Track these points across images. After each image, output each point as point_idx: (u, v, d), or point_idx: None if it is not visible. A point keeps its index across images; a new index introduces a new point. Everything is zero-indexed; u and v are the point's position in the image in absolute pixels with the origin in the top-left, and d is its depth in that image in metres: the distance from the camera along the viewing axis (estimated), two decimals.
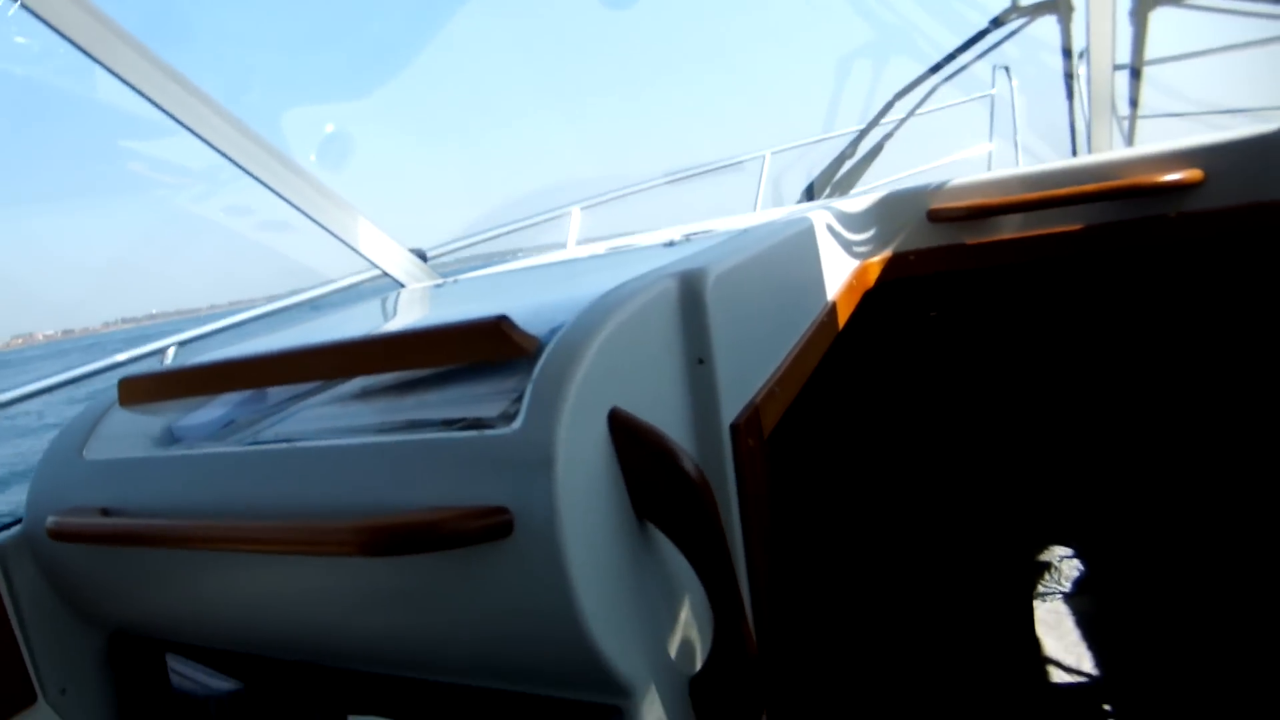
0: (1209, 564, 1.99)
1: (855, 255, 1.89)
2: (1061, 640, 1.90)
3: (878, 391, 2.20)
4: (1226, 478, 2.01)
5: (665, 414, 0.97)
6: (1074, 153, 2.57)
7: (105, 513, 1.07)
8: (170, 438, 1.23)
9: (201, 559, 0.99)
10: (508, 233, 3.91)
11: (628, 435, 0.83)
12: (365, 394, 1.04)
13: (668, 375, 0.99)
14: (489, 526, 0.76)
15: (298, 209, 1.89)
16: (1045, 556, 2.14)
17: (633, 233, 2.72)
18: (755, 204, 4.09)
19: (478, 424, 0.84)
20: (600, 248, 2.17)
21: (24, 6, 1.43)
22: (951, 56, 2.57)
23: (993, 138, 5.76)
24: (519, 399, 0.83)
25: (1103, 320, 2.02)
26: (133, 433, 1.24)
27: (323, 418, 1.03)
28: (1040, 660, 1.87)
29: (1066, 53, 2.28)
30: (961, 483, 2.25)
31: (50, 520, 1.08)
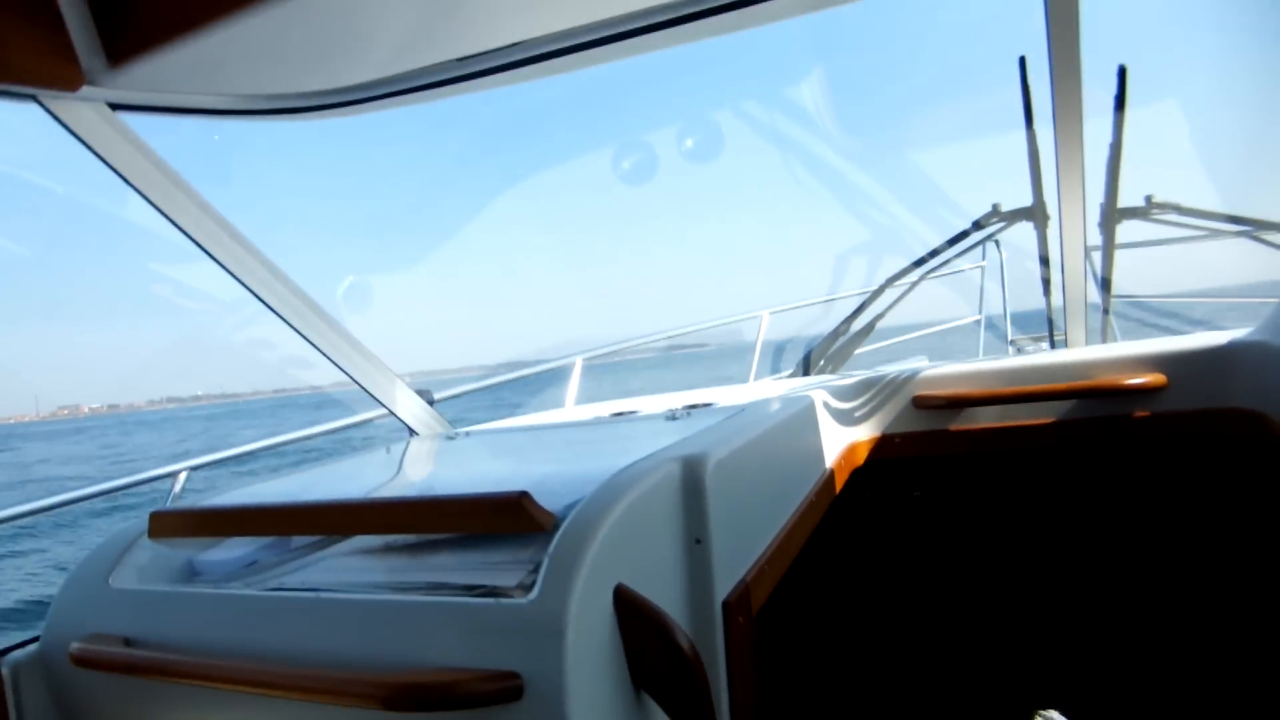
0: None
1: (844, 435, 2.00)
2: None
3: (865, 565, 2.25)
4: (1190, 653, 2.06)
5: (664, 589, 1.05)
6: (1051, 345, 2.74)
7: (128, 643, 1.12)
8: (192, 571, 1.30)
9: (219, 697, 1.03)
10: (512, 380, 4.06)
11: (631, 611, 0.91)
12: (386, 549, 1.12)
13: (668, 553, 1.07)
14: (501, 690, 0.83)
15: (318, 348, 2.00)
16: None
17: (634, 394, 2.84)
18: (751, 372, 4.23)
19: (495, 592, 0.91)
20: (604, 409, 2.28)
21: (70, 131, 1.60)
22: (935, 253, 2.80)
23: (982, 309, 6.02)
24: (534, 570, 0.91)
25: (1074, 508, 2.11)
26: (156, 565, 1.29)
27: (344, 569, 1.10)
28: None
29: (1044, 257, 2.49)
30: (945, 655, 2.27)
31: (74, 646, 1.12)
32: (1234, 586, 1.99)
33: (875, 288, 3.05)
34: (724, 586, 1.12)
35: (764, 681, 1.40)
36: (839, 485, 1.86)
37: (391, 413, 2.18)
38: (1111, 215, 2.41)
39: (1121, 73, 2.11)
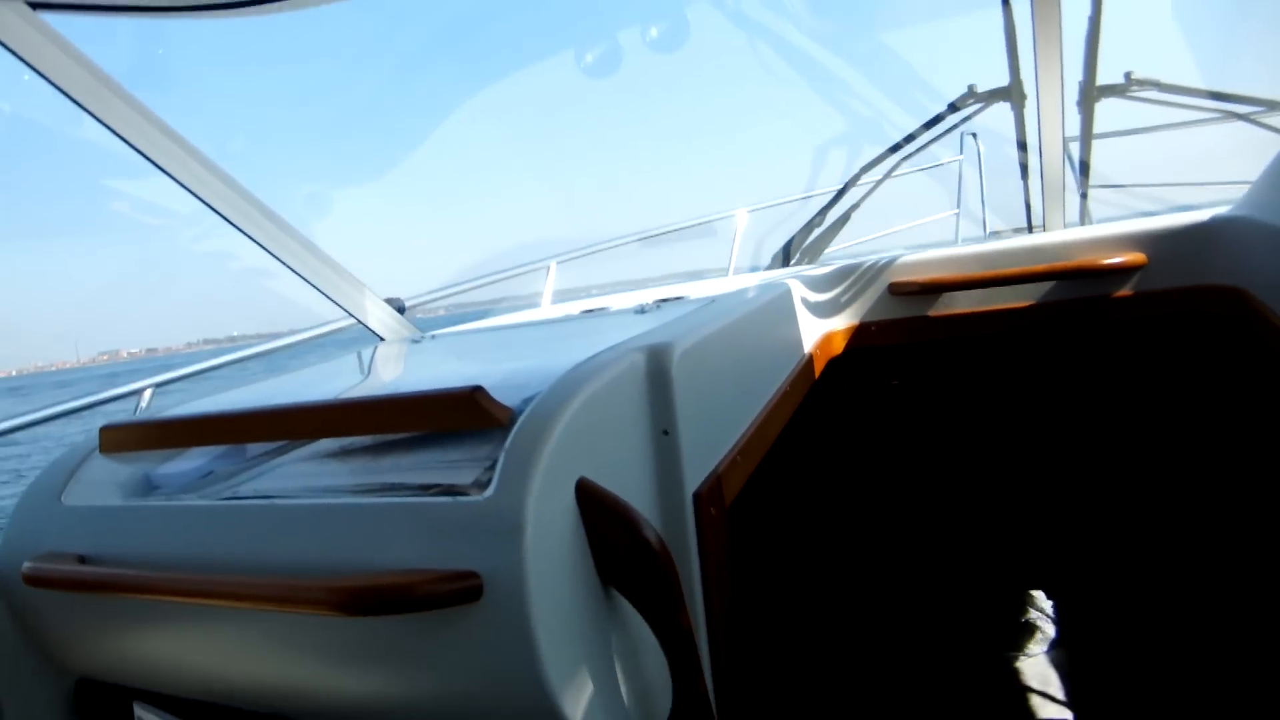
0: (1169, 610, 2.06)
1: (820, 325, 1.97)
2: (1040, 692, 1.94)
3: (842, 456, 2.26)
4: (1173, 532, 2.09)
5: (631, 483, 1.02)
6: (1029, 229, 2.70)
7: (82, 560, 1.10)
8: (149, 485, 1.26)
9: (175, 610, 1.01)
10: (486, 284, 3.99)
11: (593, 504, 0.88)
12: (342, 453, 1.08)
13: (634, 445, 1.05)
14: (459, 590, 0.80)
15: (278, 259, 1.93)
16: (1012, 611, 2.20)
17: (608, 290, 2.79)
18: (730, 266, 4.18)
19: (451, 490, 0.88)
20: (575, 308, 2.23)
21: (13, 54, 1.49)
22: (910, 137, 2.71)
23: (960, 203, 5.95)
24: (491, 467, 0.88)
25: (1054, 390, 2.11)
26: (111, 480, 1.26)
27: (300, 475, 1.07)
28: (1020, 714, 1.91)
29: (1021, 141, 2.42)
30: (926, 542, 2.31)
31: (26, 565, 1.09)
32: (1214, 462, 2.01)
33: (852, 174, 2.97)
34: (694, 478, 1.10)
35: (740, 573, 1.40)
36: (816, 374, 1.84)
37: (358, 320, 2.13)
38: (1090, 93, 2.33)
39: None
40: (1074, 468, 2.16)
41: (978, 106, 2.51)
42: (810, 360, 1.80)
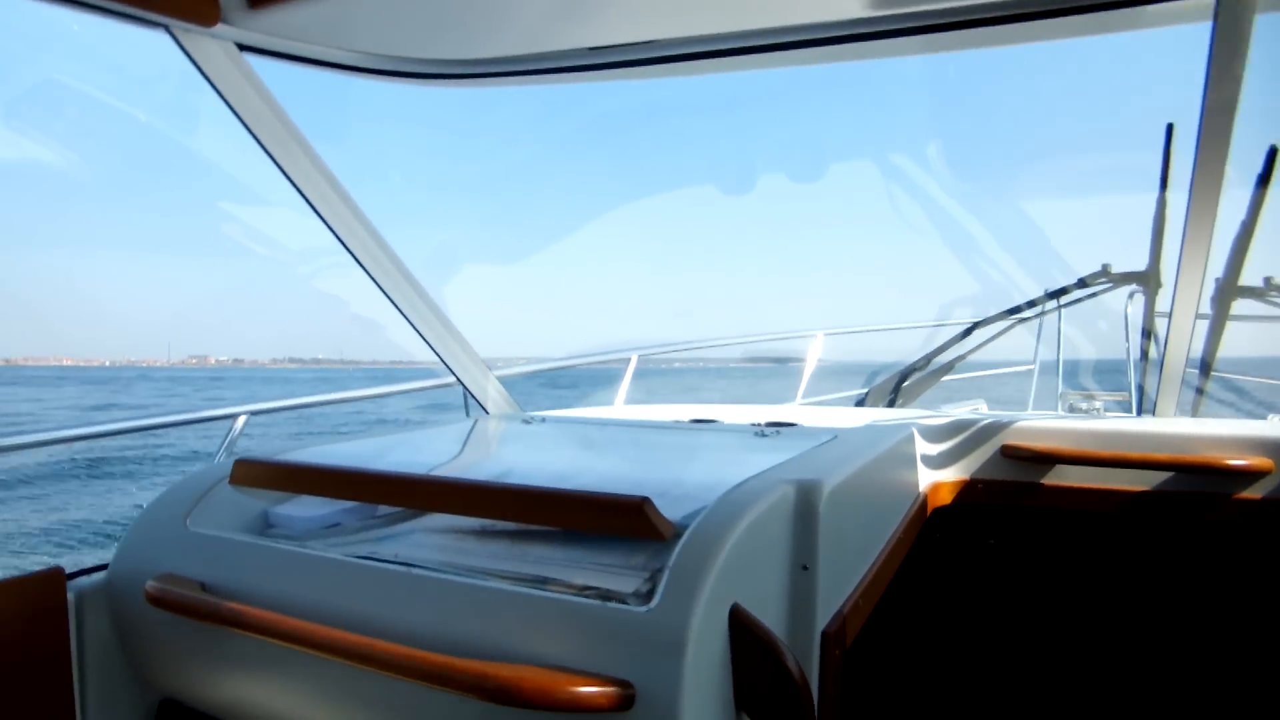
0: None
1: (932, 474, 1.94)
2: None
3: (940, 608, 2.20)
4: None
5: (769, 613, 1.01)
6: (1137, 412, 2.65)
7: (204, 588, 1.10)
8: (267, 523, 1.28)
9: (293, 657, 1.01)
10: (568, 365, 4.05)
11: (744, 631, 0.87)
12: (482, 533, 1.08)
13: (775, 577, 1.03)
14: (613, 697, 0.79)
15: (403, 313, 1.98)
16: None
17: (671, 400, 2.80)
18: (799, 389, 4.17)
19: (610, 595, 0.88)
20: (674, 413, 2.23)
21: (195, 66, 1.59)
22: (1032, 303, 2.72)
23: (1036, 359, 5.91)
24: (650, 579, 0.88)
25: (1153, 582, 2.04)
26: (232, 511, 1.28)
27: (438, 547, 1.07)
28: None
29: (1145, 328, 2.40)
30: (1010, 710, 2.22)
31: (150, 584, 1.10)
32: None
33: (965, 326, 2.97)
34: (824, 616, 1.08)
35: (857, 714, 1.36)
36: (922, 522, 1.80)
37: (466, 389, 2.16)
38: (1229, 291, 2.32)
39: (1272, 153, 2.02)
40: (1168, 661, 2.06)
41: (1108, 285, 2.52)
42: (920, 507, 1.77)
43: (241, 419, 2.40)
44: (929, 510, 1.89)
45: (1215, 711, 2.01)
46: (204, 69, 1.59)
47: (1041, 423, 1.98)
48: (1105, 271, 2.53)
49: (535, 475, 1.25)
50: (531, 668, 0.83)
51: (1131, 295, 2.58)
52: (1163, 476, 1.88)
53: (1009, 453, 1.96)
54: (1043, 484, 1.95)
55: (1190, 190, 1.77)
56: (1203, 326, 2.48)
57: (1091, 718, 2.12)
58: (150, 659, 1.21)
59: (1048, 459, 1.93)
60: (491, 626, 0.89)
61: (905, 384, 2.85)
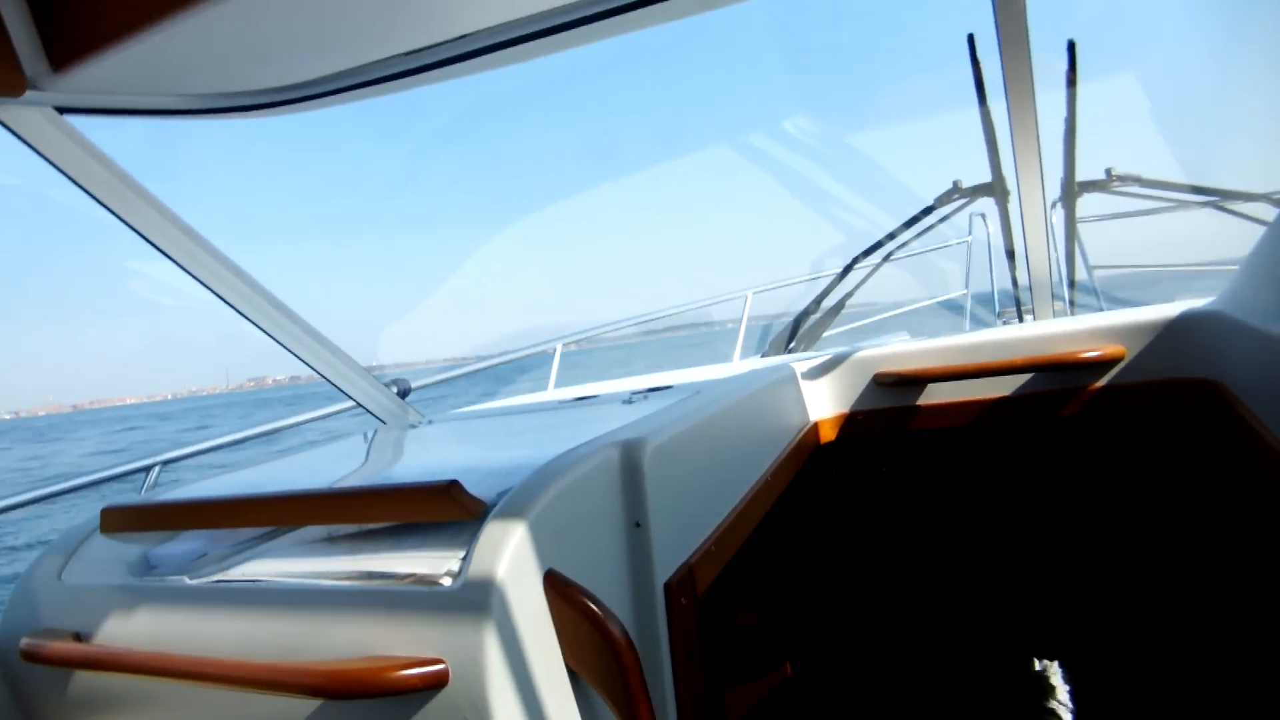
0: (1147, 679, 2.07)
1: (808, 413, 2.02)
2: None
3: (833, 541, 2.28)
4: (1153, 618, 2.10)
5: (604, 573, 1.07)
6: (1020, 319, 2.75)
7: (77, 637, 1.15)
8: (147, 565, 1.32)
9: (163, 690, 1.06)
10: (492, 365, 4.08)
11: (560, 596, 0.93)
12: (330, 540, 1.14)
13: (607, 537, 1.09)
14: (426, 677, 0.85)
15: (284, 345, 2.01)
16: (999, 687, 2.19)
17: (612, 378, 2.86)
18: (736, 350, 4.25)
19: (425, 580, 0.93)
20: (573, 393, 2.30)
21: (17, 137, 1.59)
22: (892, 235, 2.81)
23: (968, 284, 6.04)
24: (464, 559, 0.93)
25: (1037, 480, 2.14)
26: (114, 559, 1.32)
27: (289, 560, 1.12)
28: None
29: (1007, 235, 2.49)
30: (913, 625, 2.31)
31: (24, 641, 1.15)
32: (1191, 550, 2.02)
33: (843, 267, 3.06)
34: (666, 569, 1.15)
35: (717, 660, 1.43)
36: (801, 463, 1.88)
37: (360, 404, 2.20)
38: (1071, 189, 2.42)
39: (1071, 47, 2.10)
40: (1056, 555, 2.17)
41: (962, 201, 2.60)
42: (796, 448, 1.85)
43: (155, 470, 2.42)
44: (810, 449, 1.96)
45: (1111, 598, 2.13)
46: (26, 138, 1.59)
47: (909, 346, 2.07)
48: (956, 188, 2.61)
49: (392, 477, 1.29)
50: (353, 660, 0.88)
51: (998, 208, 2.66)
52: (1028, 379, 1.98)
53: (882, 380, 2.04)
54: (918, 405, 2.04)
55: (1006, 97, 1.84)
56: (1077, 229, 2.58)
57: (995, 629, 2.23)
58: (47, 715, 1.25)
59: (919, 380, 2.01)
60: (324, 627, 0.94)
61: (800, 330, 2.92)
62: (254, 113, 1.80)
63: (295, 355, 2.04)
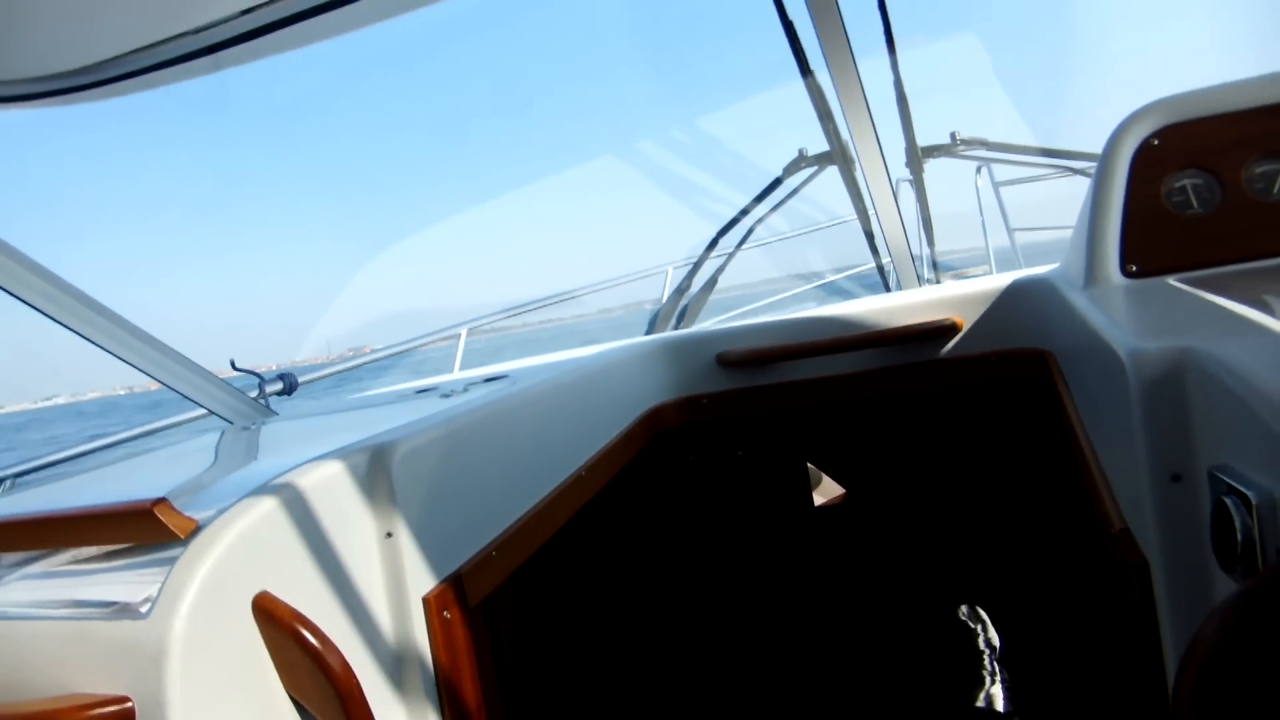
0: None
1: (647, 397, 1.98)
2: None
3: (681, 530, 2.24)
4: (988, 587, 2.14)
5: (355, 589, 1.02)
6: (887, 290, 2.74)
7: None
8: None
9: None
10: (394, 354, 4.01)
11: (271, 622, 0.88)
12: (49, 565, 1.07)
13: (358, 550, 1.05)
14: (107, 717, 0.80)
15: (119, 357, 1.92)
16: (858, 669, 2.21)
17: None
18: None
19: (125, 610, 0.88)
20: (427, 382, 2.24)
21: None
22: (745, 212, 2.79)
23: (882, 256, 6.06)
24: (162, 584, 0.88)
25: (881, 458, 2.13)
26: None
27: (12, 589, 1.06)
28: None
29: (858, 205, 2.47)
30: (751, 613, 2.30)
31: None
32: (1021, 517, 2.05)
33: (707, 244, 3.03)
34: (427, 581, 1.10)
35: (513, 672, 1.38)
36: (637, 450, 1.84)
37: (200, 405, 2.12)
38: (914, 154, 2.40)
39: (881, 6, 2.06)
40: (902, 530, 2.19)
41: (811, 170, 2.57)
42: (630, 435, 1.81)
43: (7, 483, 2.33)
44: (648, 436, 1.93)
45: (954, 565, 2.15)
46: None
47: (749, 324, 2.04)
48: (803, 156, 2.57)
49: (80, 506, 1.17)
50: (29, 702, 0.83)
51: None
52: (869, 354, 1.97)
53: (724, 361, 2.02)
54: (762, 387, 2.02)
55: (826, 64, 1.80)
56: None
57: (829, 611, 2.23)
58: None
59: (760, 360, 1.99)
60: (19, 662, 0.89)
61: (686, 306, 2.89)
62: (45, 100, 1.70)
63: (124, 361, 1.96)
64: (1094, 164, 1.47)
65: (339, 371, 3.51)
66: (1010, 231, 5.06)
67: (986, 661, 2.07)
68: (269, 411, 2.21)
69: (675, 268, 5.06)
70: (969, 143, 2.48)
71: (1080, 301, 1.32)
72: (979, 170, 4.78)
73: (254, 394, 2.24)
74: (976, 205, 4.76)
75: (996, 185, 4.84)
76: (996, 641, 2.13)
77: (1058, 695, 1.95)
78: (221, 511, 0.94)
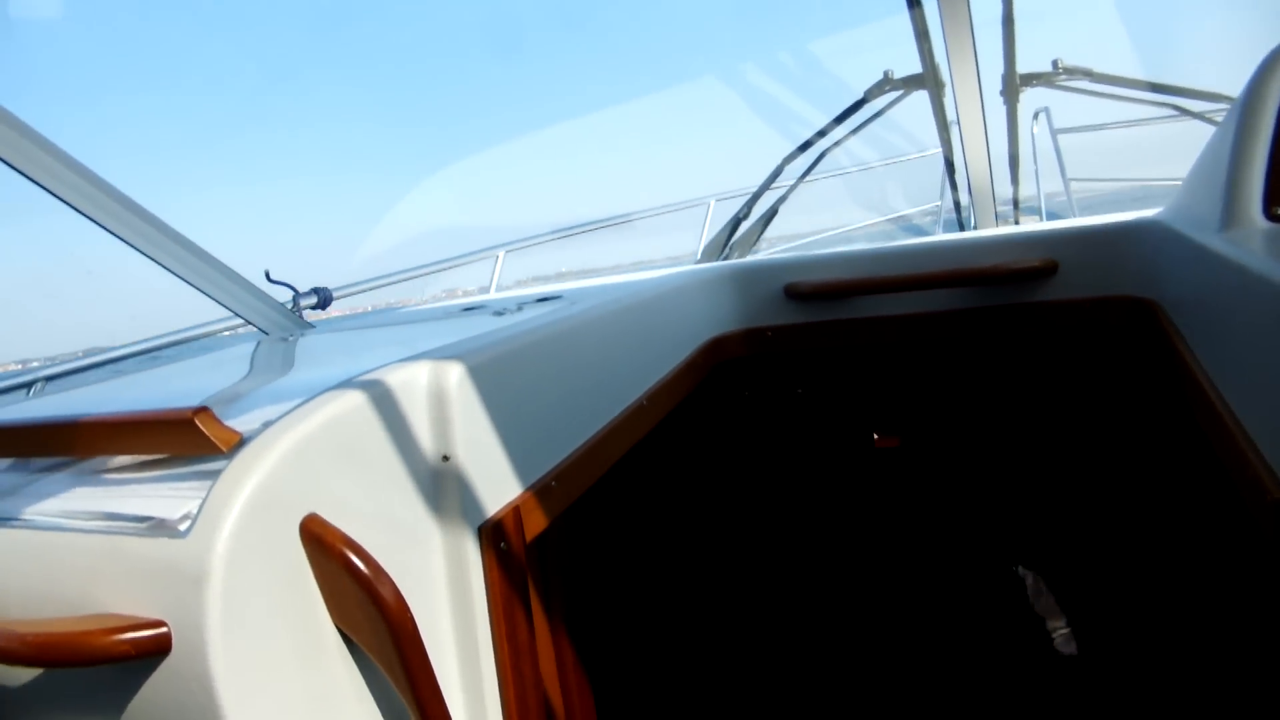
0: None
1: (708, 327, 1.86)
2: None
3: (738, 467, 2.15)
4: (1083, 538, 2.04)
5: (408, 515, 0.94)
6: (960, 229, 2.59)
7: None
8: None
9: None
10: (428, 274, 3.92)
11: (320, 547, 0.79)
12: (80, 474, 0.99)
13: (413, 473, 0.95)
14: (141, 642, 0.72)
15: (154, 260, 1.83)
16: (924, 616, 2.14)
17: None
18: (698, 252, 4.12)
19: (161, 527, 0.80)
20: (469, 300, 2.14)
21: None
22: (822, 133, 2.61)
23: (943, 195, 5.85)
24: (203, 501, 0.80)
25: (959, 401, 2.02)
26: None
27: (42, 497, 0.98)
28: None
29: (944, 135, 2.30)
30: (822, 546, 2.22)
31: None
32: (1121, 473, 1.93)
33: (775, 169, 2.86)
34: (484, 509, 1.01)
35: (565, 610, 1.31)
36: (696, 383, 1.74)
37: (239, 315, 2.04)
38: (1011, 82, 2.20)
39: None
40: (982, 479, 2.07)
41: (898, 93, 2.38)
42: (689, 366, 1.70)
43: (39, 384, 2.28)
44: (707, 368, 1.82)
45: (1038, 517, 2.05)
46: None
47: (822, 255, 1.90)
48: (888, 78, 2.38)
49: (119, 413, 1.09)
50: (55, 620, 0.76)
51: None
52: (951, 294, 1.84)
53: (792, 293, 1.89)
54: (832, 321, 1.89)
55: None
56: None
57: (911, 553, 2.15)
58: None
59: (832, 294, 1.86)
60: (54, 578, 0.81)
61: (735, 237, 2.74)
62: None
63: (156, 261, 1.86)
64: (1214, 105, 1.32)
65: (373, 289, 3.43)
66: (1066, 181, 4.84)
67: (1048, 624, 1.99)
68: (306, 324, 2.13)
69: (718, 200, 4.90)
70: (1071, 71, 2.27)
71: (1218, 244, 1.18)
72: (1035, 116, 4.54)
73: (289, 306, 2.16)
74: (1031, 151, 4.54)
75: (1054, 132, 4.60)
76: (1057, 607, 2.04)
77: (1151, 669, 1.85)
78: (267, 425, 0.85)
